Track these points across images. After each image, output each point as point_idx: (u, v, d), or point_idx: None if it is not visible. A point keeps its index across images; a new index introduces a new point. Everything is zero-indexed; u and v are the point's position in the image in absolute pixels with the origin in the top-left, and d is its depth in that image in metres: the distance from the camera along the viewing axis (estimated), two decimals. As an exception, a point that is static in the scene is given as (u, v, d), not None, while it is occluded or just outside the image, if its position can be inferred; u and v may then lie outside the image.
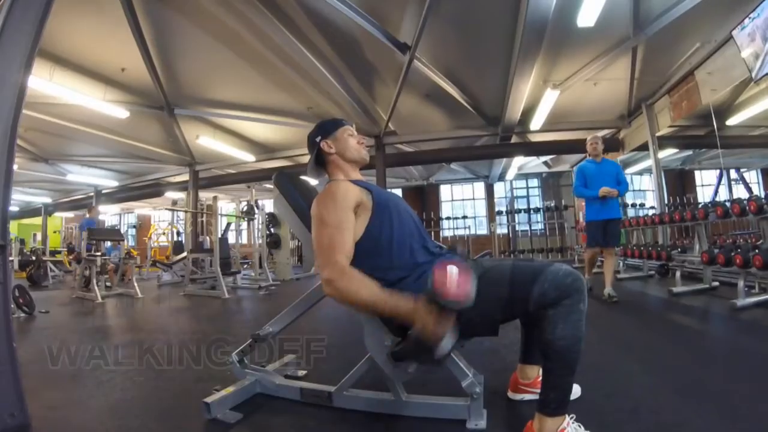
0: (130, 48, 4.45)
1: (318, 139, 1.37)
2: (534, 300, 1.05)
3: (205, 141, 6.83)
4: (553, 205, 10.19)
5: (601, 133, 7.32)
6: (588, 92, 5.64)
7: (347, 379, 1.38)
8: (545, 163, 10.07)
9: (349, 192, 1.21)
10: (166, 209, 9.42)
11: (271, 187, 1.55)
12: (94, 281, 4.90)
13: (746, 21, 3.48)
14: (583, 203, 8.83)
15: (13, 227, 12.32)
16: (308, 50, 4.26)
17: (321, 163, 1.41)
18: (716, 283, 3.66)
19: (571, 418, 1.09)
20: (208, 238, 8.96)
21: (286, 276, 7.08)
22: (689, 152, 8.56)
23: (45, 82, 4.51)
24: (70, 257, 8.10)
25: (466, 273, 0.91)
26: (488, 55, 4.74)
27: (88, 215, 7.27)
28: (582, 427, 1.08)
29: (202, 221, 9.26)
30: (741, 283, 2.86)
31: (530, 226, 10.85)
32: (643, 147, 6.06)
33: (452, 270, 0.90)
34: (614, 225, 3.49)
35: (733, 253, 2.96)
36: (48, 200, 12.13)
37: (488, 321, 1.12)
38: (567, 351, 1.02)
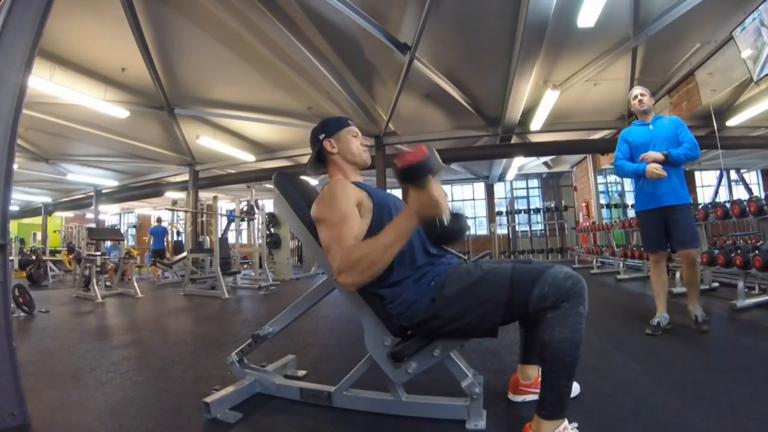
0: (130, 48, 4.45)
1: (321, 136, 1.37)
2: (533, 303, 1.04)
3: (205, 141, 6.82)
4: (553, 205, 10.21)
5: (601, 134, 7.40)
6: (588, 93, 5.64)
7: (347, 379, 1.38)
8: (545, 163, 10.07)
9: (348, 189, 1.22)
10: (166, 209, 9.43)
11: (271, 187, 1.55)
12: (94, 281, 4.91)
13: (746, 21, 3.48)
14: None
15: (13, 227, 12.32)
16: (308, 50, 4.26)
17: (322, 160, 1.41)
18: (716, 284, 3.67)
19: (572, 425, 1.08)
20: (208, 238, 8.99)
21: (286, 276, 7.08)
22: (689, 153, 8.56)
23: (45, 82, 4.50)
24: (70, 257, 8.12)
25: (419, 146, 0.97)
26: (488, 56, 4.74)
27: (156, 223, 9.32)
28: None
29: (202, 221, 9.27)
30: (741, 284, 2.86)
31: (530, 227, 10.88)
32: (643, 147, 6.05)
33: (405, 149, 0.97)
34: (678, 215, 2.29)
35: (733, 254, 2.96)
36: (48, 200, 12.12)
37: (488, 323, 1.12)
38: (565, 354, 1.01)
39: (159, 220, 9.51)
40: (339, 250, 1.09)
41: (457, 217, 1.00)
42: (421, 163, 0.94)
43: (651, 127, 2.44)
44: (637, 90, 2.49)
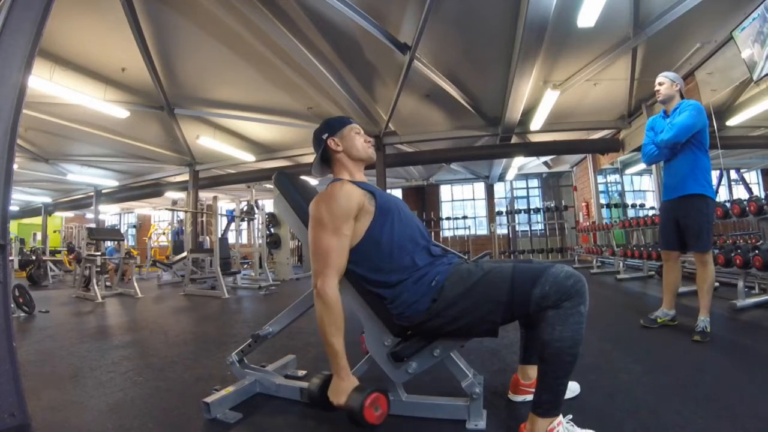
0: (130, 48, 4.45)
1: (325, 136, 1.37)
2: (534, 302, 1.04)
3: (205, 141, 6.83)
4: (553, 205, 10.22)
5: (601, 134, 7.40)
6: (588, 92, 5.64)
7: (347, 379, 1.38)
8: (545, 163, 10.08)
9: (352, 196, 1.20)
10: (166, 209, 9.42)
11: (271, 187, 1.55)
12: (94, 281, 4.90)
13: (746, 21, 3.48)
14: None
15: (13, 227, 12.32)
16: (308, 50, 4.26)
17: (326, 160, 1.41)
18: (716, 284, 3.66)
19: (567, 418, 1.08)
20: (208, 238, 8.99)
21: (286, 276, 7.08)
22: (689, 152, 8.54)
23: (45, 82, 4.50)
24: (70, 257, 8.13)
25: (382, 413, 1.11)
26: (488, 56, 4.73)
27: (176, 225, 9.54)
28: (575, 426, 1.08)
29: (202, 221, 9.28)
30: (741, 284, 2.86)
31: (530, 227, 10.89)
32: (644, 147, 6.06)
33: (379, 408, 1.11)
34: (686, 218, 2.18)
35: (733, 254, 2.96)
36: (48, 200, 12.13)
37: (488, 323, 1.12)
38: (564, 353, 1.01)
39: (181, 222, 9.77)
40: (325, 274, 1.16)
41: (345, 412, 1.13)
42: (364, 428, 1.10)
43: (668, 118, 2.30)
44: (657, 79, 2.33)
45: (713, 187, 2.22)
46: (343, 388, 1.12)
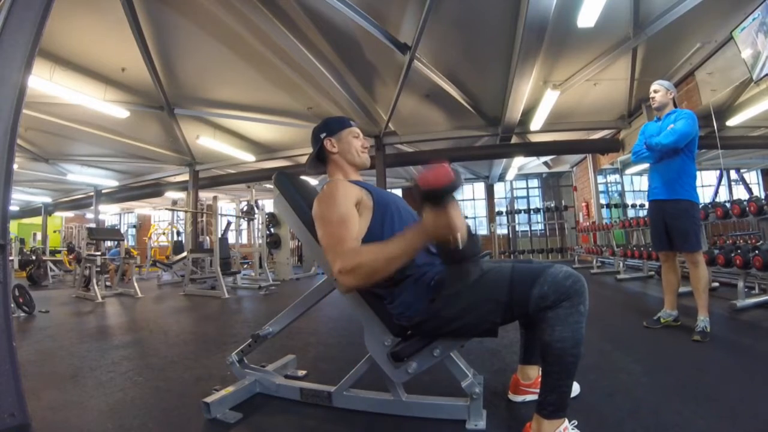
0: (130, 48, 4.45)
1: (323, 135, 1.37)
2: (533, 302, 1.04)
3: (205, 141, 6.83)
4: (553, 205, 10.22)
5: (601, 134, 7.40)
6: (588, 92, 5.64)
7: (347, 379, 1.38)
8: (545, 163, 10.07)
9: (348, 191, 1.21)
10: (166, 209, 9.42)
11: (271, 187, 1.55)
12: (94, 281, 4.90)
13: (746, 21, 3.48)
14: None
15: (13, 227, 12.32)
16: (308, 50, 4.26)
17: (322, 159, 1.41)
18: (716, 284, 3.66)
19: (572, 423, 1.08)
20: (208, 238, 8.99)
21: (286, 276, 7.08)
22: (689, 153, 8.53)
23: (45, 82, 4.51)
24: (70, 257, 8.13)
25: (442, 164, 0.90)
26: (488, 56, 4.73)
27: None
28: None
29: (202, 221, 9.28)
30: (741, 284, 2.87)
31: (530, 227, 10.89)
32: (644, 147, 6.05)
33: (429, 167, 0.90)
34: (671, 219, 2.28)
35: (733, 254, 2.96)
36: (48, 200, 12.13)
37: (488, 323, 1.11)
38: (566, 354, 1.01)
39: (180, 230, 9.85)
40: (341, 251, 1.06)
41: (472, 239, 0.96)
42: (447, 188, 0.88)
43: (660, 122, 2.39)
44: (652, 86, 2.41)
45: (697, 192, 2.32)
46: (432, 220, 0.91)
